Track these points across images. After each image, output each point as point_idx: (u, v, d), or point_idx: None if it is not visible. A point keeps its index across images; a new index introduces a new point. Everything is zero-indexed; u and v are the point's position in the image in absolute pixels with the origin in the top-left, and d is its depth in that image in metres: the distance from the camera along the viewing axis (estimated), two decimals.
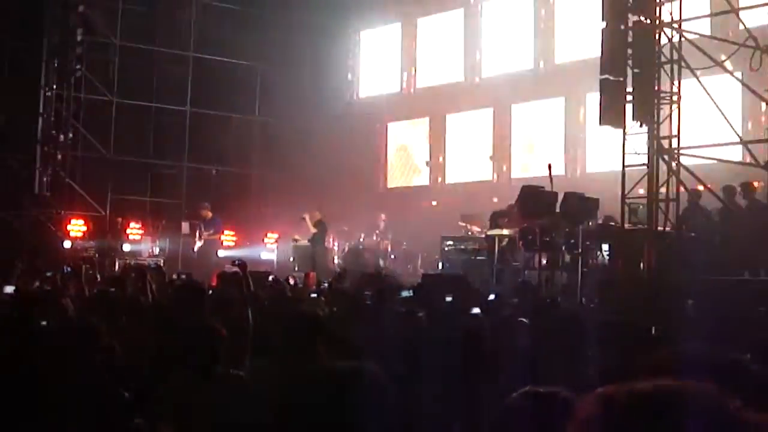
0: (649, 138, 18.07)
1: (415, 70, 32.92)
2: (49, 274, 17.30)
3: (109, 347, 7.52)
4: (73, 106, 26.72)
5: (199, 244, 24.90)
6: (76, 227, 25.28)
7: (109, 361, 7.36)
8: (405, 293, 13.03)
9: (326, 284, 16.84)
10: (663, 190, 17.96)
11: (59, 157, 26.49)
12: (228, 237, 26.54)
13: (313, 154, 29.23)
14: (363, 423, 3.73)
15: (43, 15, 26.43)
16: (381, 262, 25.45)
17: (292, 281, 18.30)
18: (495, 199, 24.77)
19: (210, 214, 25.21)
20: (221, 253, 24.90)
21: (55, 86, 26.62)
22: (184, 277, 17.43)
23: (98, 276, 19.38)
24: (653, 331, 9.28)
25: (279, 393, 6.04)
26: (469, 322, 9.95)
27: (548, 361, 7.27)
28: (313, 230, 24.55)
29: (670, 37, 18.20)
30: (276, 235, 27.21)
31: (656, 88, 18.11)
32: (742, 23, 20.91)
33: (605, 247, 17.98)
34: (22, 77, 26.58)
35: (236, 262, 12.39)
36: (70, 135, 26.91)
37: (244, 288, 10.73)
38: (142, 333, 9.24)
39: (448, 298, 12.50)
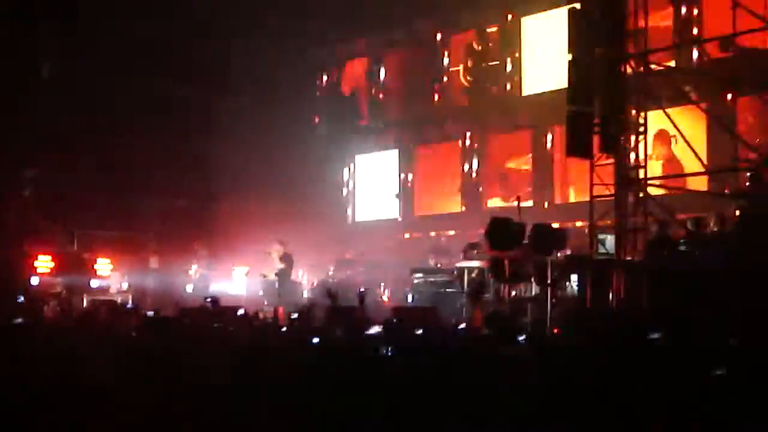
0: (616, 168, 18.16)
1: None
2: None
3: None
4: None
5: (197, 276, 25.09)
6: (44, 263, 25.05)
7: None
8: (375, 329, 12.96)
9: (296, 317, 16.75)
10: (631, 220, 18.05)
11: (26, 193, 26.32)
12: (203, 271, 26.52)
13: (279, 185, 29.20)
14: None
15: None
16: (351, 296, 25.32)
17: (261, 315, 18.26)
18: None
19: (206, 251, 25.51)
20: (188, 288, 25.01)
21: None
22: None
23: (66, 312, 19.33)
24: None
25: None
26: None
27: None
28: (280, 265, 24.46)
29: (636, 68, 18.33)
30: (246, 268, 27.07)
31: (623, 119, 18.21)
32: (706, 55, 21.11)
33: (574, 277, 17.97)
34: None
35: (208, 299, 12.39)
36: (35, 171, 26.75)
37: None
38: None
39: (419, 331, 12.46)
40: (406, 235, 30.87)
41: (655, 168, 23.45)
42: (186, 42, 29.39)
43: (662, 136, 22.52)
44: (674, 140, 21.39)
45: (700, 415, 7.24)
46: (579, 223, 20.61)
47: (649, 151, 19.21)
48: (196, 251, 25.65)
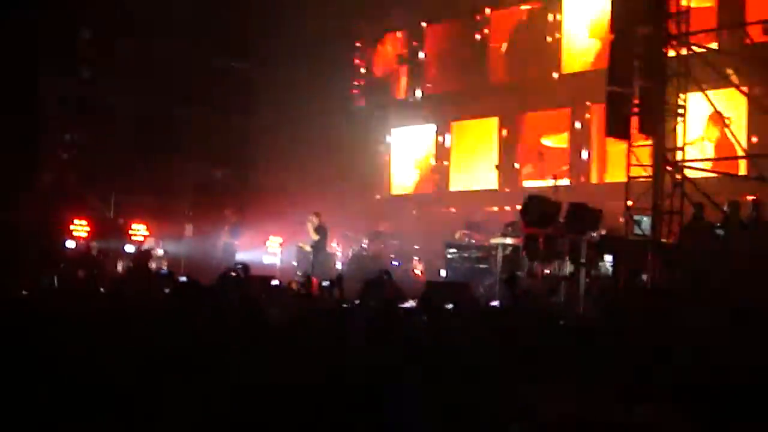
0: (654, 150, 18.11)
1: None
2: None
3: None
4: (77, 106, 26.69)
5: (223, 244, 25.18)
6: (80, 227, 25.18)
7: None
8: (409, 304, 13.03)
9: (328, 284, 16.84)
10: (667, 202, 18.00)
11: (64, 156, 26.46)
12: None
13: (316, 157, 29.25)
14: None
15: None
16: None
17: (294, 286, 18.34)
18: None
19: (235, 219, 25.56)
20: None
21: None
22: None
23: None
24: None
25: None
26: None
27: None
28: (315, 236, 24.47)
29: (677, 50, 18.23)
30: (280, 239, 27.13)
31: (663, 100, 18.14)
32: (748, 38, 20.96)
33: (608, 258, 17.94)
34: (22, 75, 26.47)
35: (238, 265, 12.44)
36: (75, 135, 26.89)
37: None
38: None
39: (449, 306, 12.51)
40: (441, 210, 30.83)
41: (708, 150, 23.39)
42: (227, 14, 29.44)
43: (716, 118, 22.29)
44: (729, 121, 21.21)
45: (744, 402, 7.23)
46: (615, 204, 20.50)
47: (701, 132, 19.11)
48: (227, 218, 25.70)
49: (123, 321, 10.08)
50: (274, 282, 18.05)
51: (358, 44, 34.28)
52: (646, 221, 18.13)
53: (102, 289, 16.46)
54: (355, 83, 34.37)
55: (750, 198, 18.94)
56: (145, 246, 25.27)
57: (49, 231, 24.87)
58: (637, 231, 18.05)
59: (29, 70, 25.74)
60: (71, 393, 7.21)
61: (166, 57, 28.53)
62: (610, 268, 17.77)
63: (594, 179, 27.27)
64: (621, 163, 19.44)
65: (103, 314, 10.83)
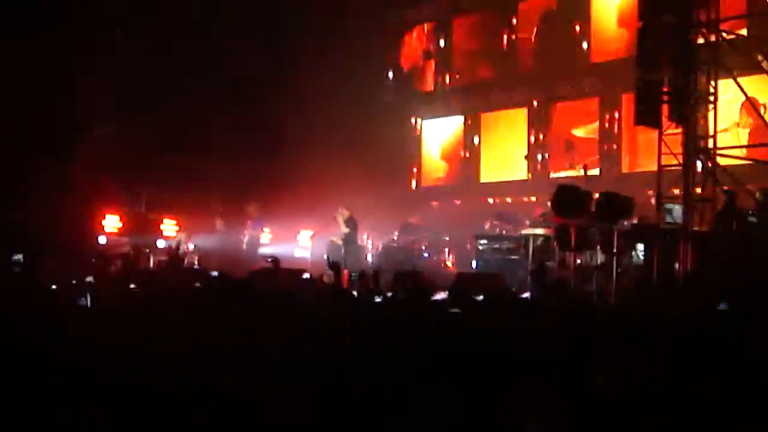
0: (685, 138, 18.03)
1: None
2: None
3: None
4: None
5: (246, 239, 25.35)
6: (112, 222, 25.29)
7: None
8: (440, 296, 13.03)
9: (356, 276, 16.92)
10: (699, 190, 17.92)
11: (97, 151, 26.52)
12: (265, 234, 26.74)
13: (346, 149, 29.27)
14: None
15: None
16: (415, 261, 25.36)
17: (326, 279, 18.38)
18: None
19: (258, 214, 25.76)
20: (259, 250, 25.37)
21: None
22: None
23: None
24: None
25: None
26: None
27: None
28: (345, 229, 24.46)
29: (707, 37, 18.14)
30: (310, 233, 27.16)
31: (693, 88, 18.06)
32: None
33: (640, 247, 17.87)
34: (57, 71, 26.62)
35: (269, 259, 12.51)
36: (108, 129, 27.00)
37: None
38: None
39: (479, 297, 12.50)
40: (471, 201, 30.79)
41: (742, 136, 23.21)
42: (252, 7, 29.52)
43: (750, 105, 22.11)
44: (764, 108, 21.06)
45: None
46: (648, 193, 20.42)
47: (736, 119, 18.99)
48: (249, 214, 25.87)
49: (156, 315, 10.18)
50: (305, 275, 18.13)
51: (386, 37, 34.24)
52: (677, 209, 18.05)
53: (133, 286, 16.54)
54: (385, 76, 34.34)
55: None
56: (176, 241, 25.42)
57: (83, 226, 25.03)
58: (668, 219, 17.97)
59: (66, 66, 25.99)
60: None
61: (201, 55, 28.66)
62: (642, 257, 17.71)
63: (625, 168, 27.16)
64: (652, 152, 19.34)
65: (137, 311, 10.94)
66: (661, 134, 18.24)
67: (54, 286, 15.43)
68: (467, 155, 32.06)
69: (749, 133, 23.47)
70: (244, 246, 25.42)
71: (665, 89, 17.97)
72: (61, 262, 19.83)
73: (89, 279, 16.23)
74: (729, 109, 22.24)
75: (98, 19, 26.91)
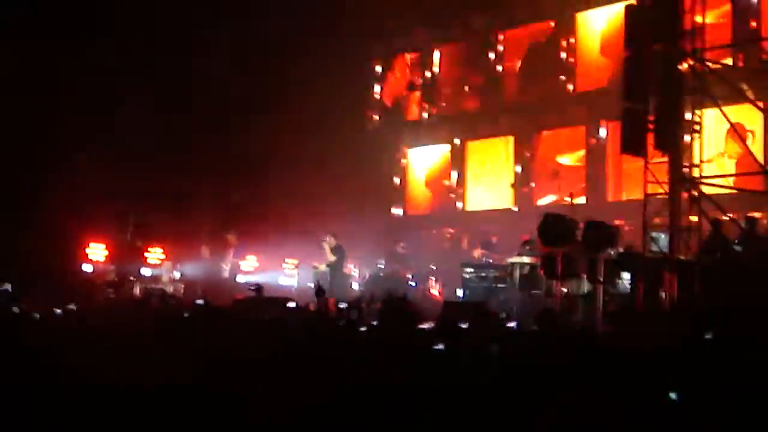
0: (671, 167, 18.04)
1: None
2: None
3: None
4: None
5: (228, 266, 25.38)
6: (97, 251, 25.13)
7: None
8: (427, 325, 12.98)
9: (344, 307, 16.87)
10: (686, 218, 17.93)
11: (79, 178, 26.44)
12: (250, 262, 26.71)
13: (331, 178, 29.26)
14: None
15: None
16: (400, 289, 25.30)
17: (312, 307, 18.32)
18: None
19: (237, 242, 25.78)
20: (240, 278, 25.32)
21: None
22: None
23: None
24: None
25: None
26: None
27: None
28: (332, 257, 24.43)
29: (692, 66, 18.19)
30: (296, 261, 27.13)
31: (678, 117, 18.09)
32: (764, 53, 20.91)
33: (626, 275, 17.87)
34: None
35: (252, 287, 12.48)
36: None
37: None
38: None
39: (464, 325, 12.46)
40: (457, 230, 30.81)
41: (728, 165, 23.23)
42: (242, 37, 29.55)
43: (735, 133, 22.14)
44: (750, 135, 21.10)
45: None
46: (632, 222, 20.44)
47: (721, 149, 19.01)
48: (230, 242, 25.91)
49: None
50: (291, 304, 18.07)
51: (371, 66, 34.28)
52: (663, 238, 18.05)
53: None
54: (370, 104, 34.36)
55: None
56: (161, 272, 25.44)
57: (66, 254, 24.88)
58: (654, 248, 17.97)
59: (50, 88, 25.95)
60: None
61: (185, 77, 28.61)
62: (628, 286, 17.70)
63: (610, 197, 27.20)
64: (637, 180, 19.37)
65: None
66: (646, 163, 18.25)
67: (38, 315, 15.37)
68: (453, 184, 32.07)
69: (736, 163, 23.52)
70: (227, 274, 25.46)
71: (651, 118, 17.99)
72: (45, 291, 19.76)
73: (71, 306, 16.18)
74: (715, 138, 22.29)
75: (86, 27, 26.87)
